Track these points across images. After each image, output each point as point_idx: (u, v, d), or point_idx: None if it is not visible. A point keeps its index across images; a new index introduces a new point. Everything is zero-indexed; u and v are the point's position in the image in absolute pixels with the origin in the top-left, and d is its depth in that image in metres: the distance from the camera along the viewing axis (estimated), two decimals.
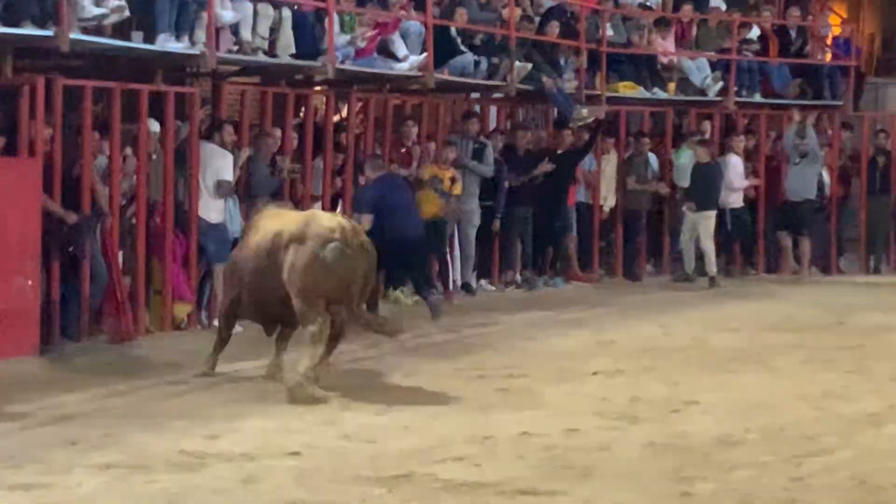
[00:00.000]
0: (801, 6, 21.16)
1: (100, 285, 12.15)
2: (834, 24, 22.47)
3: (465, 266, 16.55)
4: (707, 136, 18.93)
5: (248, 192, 13.98)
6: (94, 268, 12.15)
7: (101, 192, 12.20)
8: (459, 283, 16.42)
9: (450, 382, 10.62)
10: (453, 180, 15.85)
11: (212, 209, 13.41)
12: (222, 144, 13.50)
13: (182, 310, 13.09)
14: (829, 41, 21.51)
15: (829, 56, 21.16)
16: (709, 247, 17.93)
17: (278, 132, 14.33)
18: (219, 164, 13.39)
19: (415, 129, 16.18)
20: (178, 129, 13.46)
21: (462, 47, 16.55)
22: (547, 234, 17.46)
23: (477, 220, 16.55)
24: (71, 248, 11.87)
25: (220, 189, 13.37)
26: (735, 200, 18.56)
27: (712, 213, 18.02)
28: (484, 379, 10.77)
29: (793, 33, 20.78)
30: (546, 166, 17.06)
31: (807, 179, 18.86)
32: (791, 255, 19.14)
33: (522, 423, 8.99)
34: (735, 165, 18.57)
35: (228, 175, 13.44)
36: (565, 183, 17.58)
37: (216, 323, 12.15)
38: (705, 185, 18.03)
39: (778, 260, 19.32)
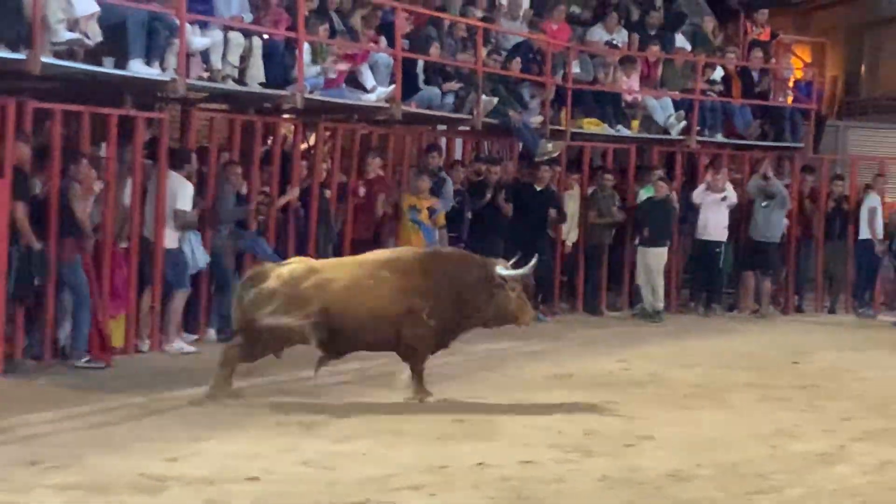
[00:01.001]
0: (764, 49, 21.46)
1: (83, 305, 12.26)
2: (796, 68, 22.76)
3: None
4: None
5: (214, 221, 14.09)
6: (77, 287, 12.25)
7: (82, 214, 12.29)
8: None
9: (409, 412, 10.72)
10: (431, 210, 16.00)
11: (167, 235, 13.53)
12: (187, 175, 13.63)
13: (115, 328, 13.12)
14: (791, 84, 21.77)
15: (790, 99, 21.44)
16: (659, 283, 18.18)
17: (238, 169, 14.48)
18: (177, 192, 13.49)
19: (378, 161, 16.32)
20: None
21: (421, 84, 16.72)
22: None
23: None
24: (35, 280, 11.94)
25: (177, 219, 13.46)
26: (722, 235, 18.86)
27: (663, 250, 18.27)
28: (443, 409, 10.86)
29: (756, 75, 21.06)
30: (506, 206, 17.23)
31: (773, 222, 19.12)
32: (752, 293, 19.36)
33: (479, 454, 9.10)
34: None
35: (186, 205, 13.53)
36: (543, 219, 17.79)
37: (173, 347, 12.29)
38: (658, 221, 18.26)
39: (738, 298, 19.52)
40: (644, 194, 18.74)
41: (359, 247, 15.19)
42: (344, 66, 15.54)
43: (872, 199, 19.47)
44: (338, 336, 10.88)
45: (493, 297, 11.21)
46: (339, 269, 11.11)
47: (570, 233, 18.52)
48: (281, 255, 13.91)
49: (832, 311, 19.87)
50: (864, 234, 19.39)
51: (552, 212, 17.79)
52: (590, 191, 18.80)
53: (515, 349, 14.63)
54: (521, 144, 18.46)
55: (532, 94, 18.65)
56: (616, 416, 10.82)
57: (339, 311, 10.76)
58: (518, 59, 18.27)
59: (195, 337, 14.06)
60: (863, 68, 37.18)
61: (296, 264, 11.18)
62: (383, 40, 16.36)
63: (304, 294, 10.73)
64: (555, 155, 18.10)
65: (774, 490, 8.51)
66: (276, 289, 10.75)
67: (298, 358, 11.32)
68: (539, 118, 18.46)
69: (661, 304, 18.21)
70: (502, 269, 11.28)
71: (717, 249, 18.86)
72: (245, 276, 11.50)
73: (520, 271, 11.42)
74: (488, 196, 17.23)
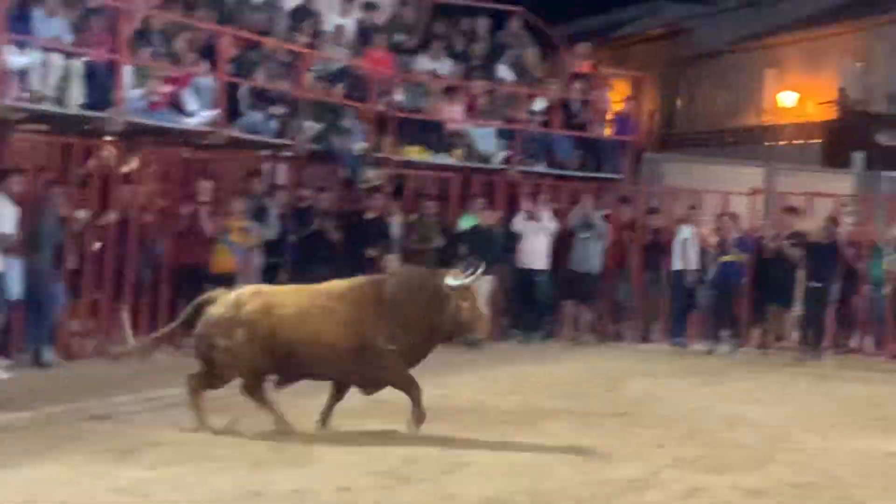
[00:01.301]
0: (584, 81, 21.82)
1: None
2: (615, 101, 23.20)
3: None
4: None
5: (33, 245, 13.87)
6: None
7: None
8: None
9: (224, 438, 10.63)
10: (243, 231, 15.95)
11: None
12: (9, 195, 13.41)
13: None
14: (610, 116, 22.18)
15: (610, 131, 21.83)
16: (484, 311, 18.32)
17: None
18: (2, 215, 13.27)
19: (208, 185, 16.23)
20: None
21: (244, 108, 16.69)
22: None
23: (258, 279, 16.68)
24: None
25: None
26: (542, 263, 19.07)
27: (488, 278, 18.41)
28: (259, 436, 10.81)
29: (577, 107, 21.41)
30: (334, 234, 17.28)
31: (591, 252, 19.45)
32: (571, 322, 19.65)
33: (295, 481, 9.09)
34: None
35: (9, 227, 13.30)
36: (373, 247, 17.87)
37: None
38: (482, 250, 18.42)
39: (557, 326, 19.79)
40: (467, 223, 18.91)
41: (185, 272, 15.14)
42: (167, 90, 15.44)
43: (685, 231, 19.90)
44: (289, 363, 10.86)
45: (444, 309, 10.98)
46: (289, 296, 11.07)
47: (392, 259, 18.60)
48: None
49: (647, 339, 20.23)
50: (678, 265, 19.78)
51: (381, 242, 17.89)
52: (411, 218, 18.93)
53: None
54: (344, 171, 18.49)
55: (356, 121, 18.71)
56: (434, 442, 10.85)
57: (285, 337, 10.73)
58: (341, 86, 18.34)
59: (9, 362, 13.81)
60: (679, 102, 38.15)
61: (245, 289, 11.19)
62: (207, 64, 16.29)
63: (249, 317, 10.71)
64: (377, 182, 18.19)
65: None
66: (222, 313, 10.74)
67: (116, 384, 11.19)
68: (363, 145, 18.52)
69: (484, 333, 18.28)
70: (451, 279, 10.98)
71: (538, 278, 19.11)
72: (195, 301, 11.22)
73: (466, 280, 11.02)
74: (316, 223, 17.27)
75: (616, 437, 11.62)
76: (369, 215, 17.97)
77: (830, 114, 31.86)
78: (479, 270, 11.17)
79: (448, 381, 14.67)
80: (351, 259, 17.07)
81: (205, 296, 11.14)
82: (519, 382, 14.94)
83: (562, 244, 19.65)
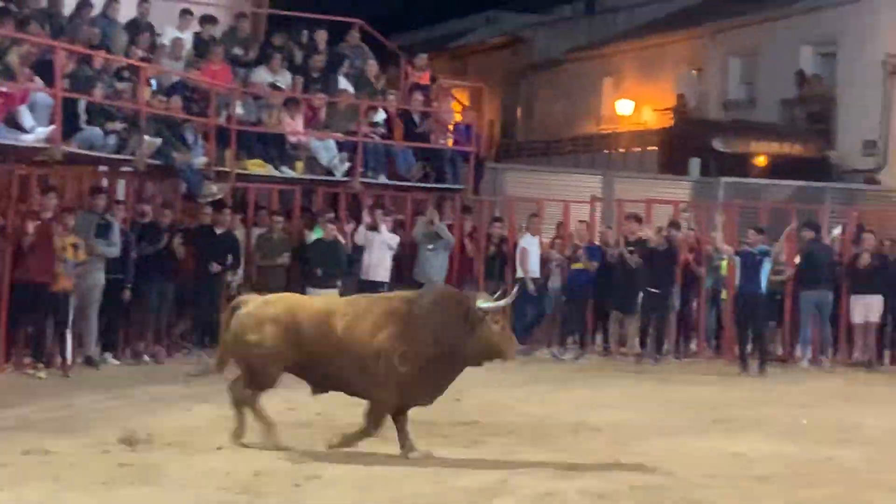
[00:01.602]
0: (424, 92, 21.90)
1: None
2: (456, 111, 23.34)
3: (87, 339, 16.44)
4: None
5: None
6: None
7: None
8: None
9: (72, 457, 10.46)
10: (75, 247, 15.73)
11: None
12: None
13: None
14: (451, 127, 22.29)
15: (451, 141, 21.94)
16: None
17: None
18: None
19: (53, 201, 15.99)
20: None
21: (82, 124, 16.46)
22: (195, 306, 17.63)
23: (98, 296, 16.48)
24: None
25: None
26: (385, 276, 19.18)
27: (334, 291, 18.42)
28: (107, 454, 10.65)
29: (417, 118, 21.48)
30: (181, 250, 17.18)
31: (436, 264, 19.54)
32: None
33: (143, 499, 9.01)
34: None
35: None
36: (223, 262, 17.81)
37: None
38: (328, 263, 18.44)
39: None
40: (313, 236, 18.88)
41: (24, 289, 14.93)
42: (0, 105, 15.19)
43: (525, 240, 20.09)
44: (315, 368, 10.99)
45: (475, 332, 10.80)
46: (318, 301, 11.58)
47: (237, 273, 18.50)
48: None
49: None
50: (519, 273, 19.95)
51: (229, 257, 17.79)
52: (258, 232, 18.83)
53: (179, 392, 14.48)
54: (185, 185, 18.33)
55: (195, 135, 18.54)
56: (284, 456, 10.80)
57: (310, 338, 10.84)
58: (177, 98, 18.17)
59: None
60: (519, 112, 38.53)
61: (277, 294, 11.65)
62: (42, 80, 16.04)
63: (277, 313, 10.94)
64: (219, 196, 18.07)
65: None
66: (250, 310, 11.03)
67: None
68: (203, 159, 18.37)
69: None
70: (483, 302, 10.90)
71: (382, 289, 19.12)
72: (230, 307, 11.55)
73: (500, 303, 10.94)
74: (165, 239, 17.14)
75: (465, 445, 11.70)
76: (218, 230, 17.83)
77: (667, 121, 32.42)
78: (513, 294, 11.36)
79: (295, 394, 14.60)
80: (197, 275, 16.93)
81: (236, 300, 11.54)
82: None
83: (406, 255, 19.70)
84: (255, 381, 11.15)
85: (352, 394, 11.20)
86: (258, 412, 11.18)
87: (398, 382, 10.77)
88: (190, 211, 18.27)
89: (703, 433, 12.77)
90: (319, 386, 11.27)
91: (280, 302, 11.24)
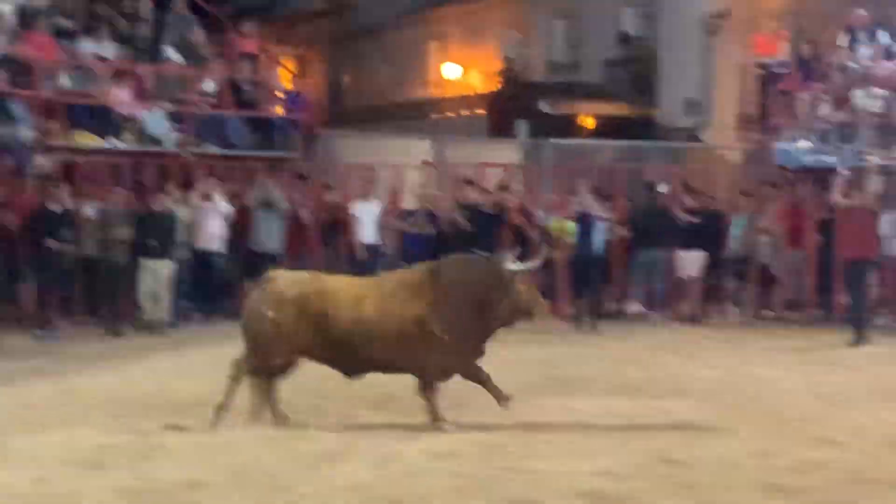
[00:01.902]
0: (252, 60, 21.83)
1: None
2: (285, 79, 23.31)
3: None
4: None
5: None
6: None
7: None
8: None
9: None
10: None
11: None
12: None
13: None
14: (280, 95, 22.27)
15: (280, 109, 21.92)
16: (164, 295, 18.27)
17: None
18: None
19: None
20: None
21: None
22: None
23: None
24: None
25: None
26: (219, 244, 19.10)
27: (167, 262, 18.35)
28: None
29: (246, 86, 21.41)
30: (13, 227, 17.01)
31: (272, 231, 19.55)
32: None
33: None
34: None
35: None
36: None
37: None
38: (160, 234, 18.35)
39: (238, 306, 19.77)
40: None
41: None
42: None
43: (357, 207, 20.18)
44: (343, 349, 10.88)
45: (507, 294, 10.93)
46: (346, 281, 11.24)
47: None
48: None
49: None
50: (356, 239, 20.03)
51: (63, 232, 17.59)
52: (90, 206, 18.62)
53: (17, 368, 14.33)
54: (12, 160, 18.06)
55: (22, 108, 18.27)
56: (126, 430, 10.77)
57: (337, 318, 10.74)
58: (2, 72, 17.90)
59: None
60: (346, 78, 38.52)
61: (305, 272, 11.60)
62: None
63: (303, 295, 10.80)
64: (48, 171, 17.84)
65: (286, 490, 8.78)
66: (280, 290, 10.91)
67: None
68: (30, 133, 18.11)
69: (165, 316, 18.26)
70: (511, 264, 11.02)
71: (215, 259, 19.11)
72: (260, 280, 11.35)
73: (528, 264, 11.14)
74: None
75: (309, 412, 11.75)
76: (53, 206, 17.60)
77: (494, 85, 32.72)
78: (540, 256, 11.64)
79: (131, 368, 14.58)
80: (32, 251, 16.77)
81: (268, 273, 11.32)
82: (205, 365, 14.85)
83: (241, 224, 19.66)
84: (259, 359, 11.10)
85: (396, 371, 11.18)
86: (254, 392, 11.12)
87: (440, 349, 10.89)
88: (22, 187, 17.99)
89: (543, 391, 13.02)
90: (354, 371, 11.26)
91: (307, 282, 11.12)
